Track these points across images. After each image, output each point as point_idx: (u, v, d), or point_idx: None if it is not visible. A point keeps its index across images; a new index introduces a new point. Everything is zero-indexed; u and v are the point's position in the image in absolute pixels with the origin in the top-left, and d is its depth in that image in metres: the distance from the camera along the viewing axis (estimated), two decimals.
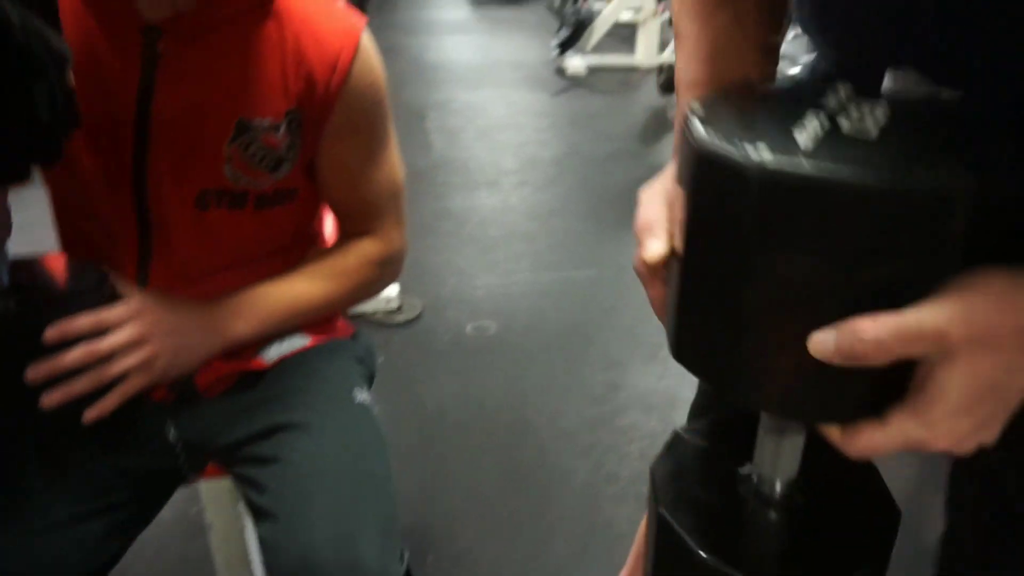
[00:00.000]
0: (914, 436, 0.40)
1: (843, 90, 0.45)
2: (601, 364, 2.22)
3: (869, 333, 0.38)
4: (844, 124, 0.41)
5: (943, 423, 0.39)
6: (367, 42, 0.89)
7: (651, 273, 0.50)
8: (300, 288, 0.96)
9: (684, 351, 0.48)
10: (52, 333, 0.77)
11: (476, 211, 3.20)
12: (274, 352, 0.97)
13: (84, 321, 0.79)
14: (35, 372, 0.77)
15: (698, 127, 0.42)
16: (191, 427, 0.94)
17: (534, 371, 2.18)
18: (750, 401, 0.45)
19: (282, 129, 0.85)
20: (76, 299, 0.79)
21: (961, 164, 0.37)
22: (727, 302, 0.43)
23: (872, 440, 0.41)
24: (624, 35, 6.23)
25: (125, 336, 0.81)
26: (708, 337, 0.45)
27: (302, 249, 1.03)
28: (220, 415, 0.94)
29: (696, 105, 0.45)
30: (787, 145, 0.38)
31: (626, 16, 5.89)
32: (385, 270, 1.03)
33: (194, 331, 0.87)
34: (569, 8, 6.69)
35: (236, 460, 0.92)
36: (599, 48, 5.78)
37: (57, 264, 0.87)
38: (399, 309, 2.43)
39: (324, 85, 0.86)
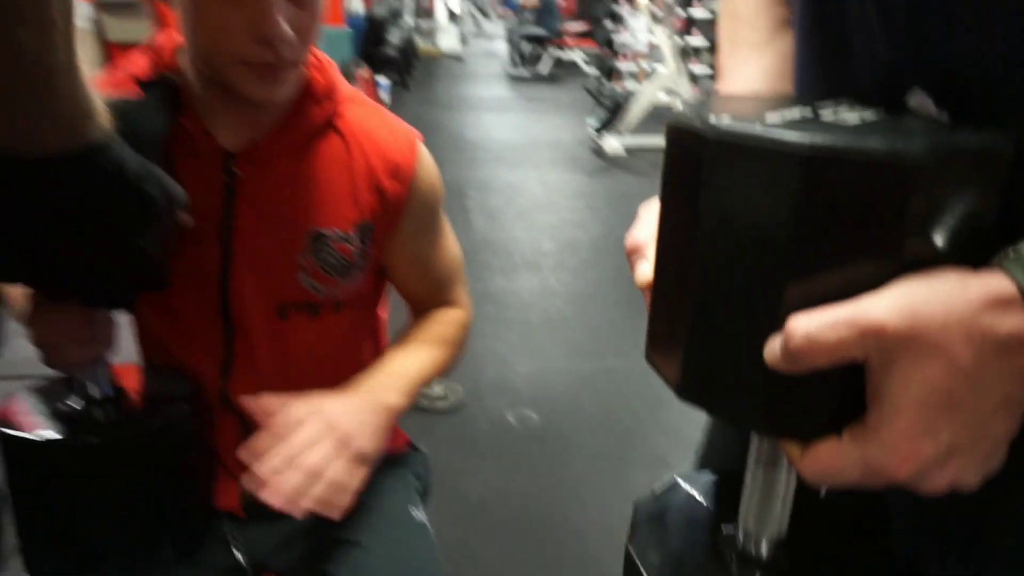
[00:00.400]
0: (871, 458, 0.36)
1: (847, 100, 0.44)
2: (645, 461, 2.20)
3: (800, 328, 0.35)
4: (826, 115, 0.39)
5: (902, 444, 0.35)
6: (423, 149, 0.96)
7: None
8: (421, 357, 0.99)
9: (650, 351, 0.45)
10: (246, 454, 0.76)
11: (516, 294, 3.24)
12: None
13: (268, 438, 0.78)
14: (253, 471, 0.75)
15: (677, 109, 0.41)
16: (256, 541, 0.96)
17: (577, 466, 2.17)
18: (703, 405, 0.42)
19: (354, 238, 0.91)
20: (168, 407, 0.83)
21: (920, 142, 0.34)
22: (683, 292, 0.41)
23: (829, 461, 0.37)
24: (662, 115, 6.36)
25: (313, 429, 0.80)
26: (668, 333, 0.43)
27: (370, 347, 1.07)
28: (284, 529, 0.95)
29: (691, 98, 0.45)
30: (751, 119, 0.37)
31: (663, 97, 6.03)
32: (467, 334, 1.08)
33: (363, 412, 0.87)
34: (606, 89, 6.88)
35: (294, 573, 0.94)
36: (637, 129, 5.91)
37: (149, 372, 0.92)
38: (442, 396, 2.44)
39: (392, 194, 0.92)
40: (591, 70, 8.71)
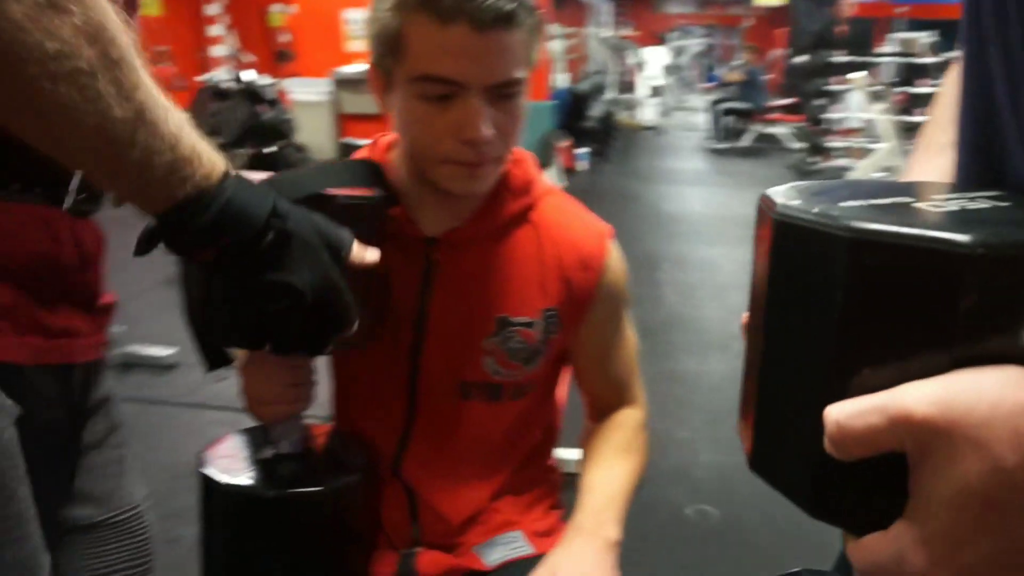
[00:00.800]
0: (908, 556, 0.33)
1: (976, 193, 0.40)
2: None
3: (832, 415, 0.33)
4: (924, 203, 0.38)
5: (939, 547, 0.32)
6: (613, 245, 0.98)
7: None
8: (623, 476, 0.98)
9: (739, 420, 0.45)
10: None
11: (705, 377, 3.12)
12: (497, 555, 0.98)
13: None
14: None
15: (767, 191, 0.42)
16: None
17: (757, 573, 2.01)
18: (768, 480, 0.41)
19: (539, 326, 0.93)
20: (345, 475, 0.86)
21: (984, 231, 0.32)
22: (755, 366, 0.41)
23: (872, 553, 0.35)
24: None
25: None
26: (746, 405, 0.43)
27: (543, 429, 1.07)
28: None
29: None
30: (820, 201, 0.37)
31: (878, 176, 5.67)
32: (647, 435, 1.06)
33: (595, 563, 0.88)
34: (812, 166, 6.58)
35: None
36: None
37: (334, 438, 0.96)
38: None
39: (580, 286, 0.94)
40: (797, 145, 8.40)
